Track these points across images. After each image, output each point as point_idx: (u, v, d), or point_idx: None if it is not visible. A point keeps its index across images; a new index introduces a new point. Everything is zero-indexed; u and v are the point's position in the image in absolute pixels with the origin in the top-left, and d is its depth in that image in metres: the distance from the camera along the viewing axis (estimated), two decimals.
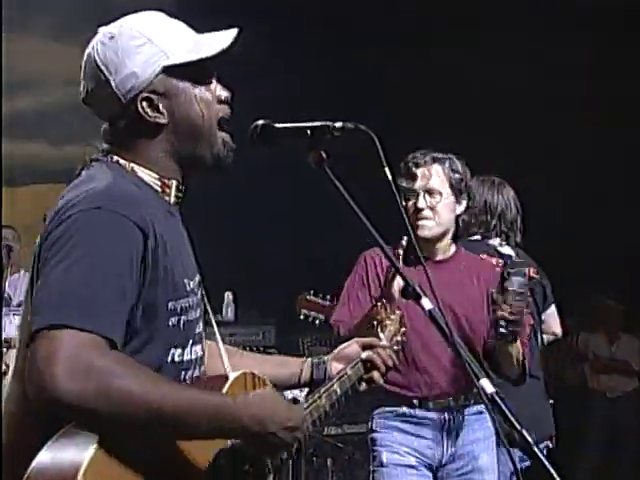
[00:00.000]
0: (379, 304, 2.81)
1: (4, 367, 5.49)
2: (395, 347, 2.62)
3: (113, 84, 1.88)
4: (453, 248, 3.64)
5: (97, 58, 1.90)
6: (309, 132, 2.02)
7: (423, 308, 1.96)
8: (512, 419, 1.83)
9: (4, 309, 5.93)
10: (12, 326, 6.18)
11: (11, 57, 7.80)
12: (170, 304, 1.84)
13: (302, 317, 4.48)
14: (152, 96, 1.89)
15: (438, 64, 6.90)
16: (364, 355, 2.44)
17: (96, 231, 1.72)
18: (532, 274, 4.18)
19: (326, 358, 2.42)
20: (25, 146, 7.97)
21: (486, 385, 1.87)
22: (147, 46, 1.89)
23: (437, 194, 3.51)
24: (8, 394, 1.87)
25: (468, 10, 6.80)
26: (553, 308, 4.56)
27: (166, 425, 1.70)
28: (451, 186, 3.54)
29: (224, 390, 1.92)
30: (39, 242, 1.80)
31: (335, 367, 2.40)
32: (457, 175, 3.55)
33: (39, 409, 1.65)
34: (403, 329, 2.76)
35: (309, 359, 2.41)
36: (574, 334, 7.10)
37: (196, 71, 1.93)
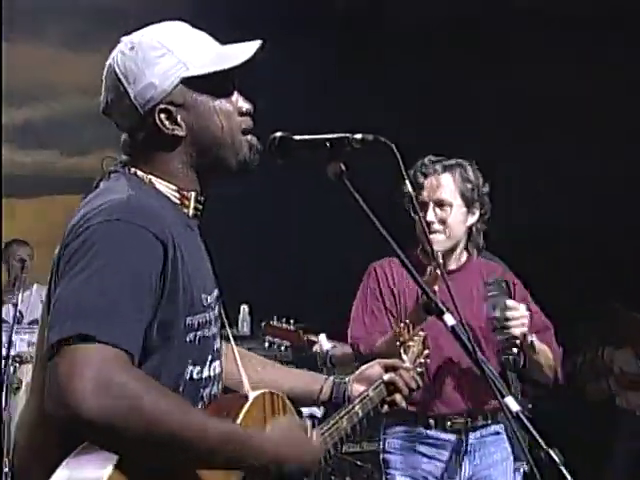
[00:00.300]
0: (402, 325, 2.78)
1: (16, 382, 5.52)
2: (418, 369, 2.61)
3: (132, 95, 1.88)
4: (465, 256, 3.53)
5: (117, 68, 1.91)
6: (328, 144, 2.01)
7: (446, 324, 1.95)
8: (538, 438, 1.82)
9: (16, 326, 5.95)
10: (23, 343, 6.19)
11: (24, 66, 7.86)
12: (188, 319, 1.83)
13: (267, 344, 4.46)
14: (170, 107, 1.89)
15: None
16: (386, 377, 2.43)
17: (116, 243, 1.71)
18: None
19: (348, 379, 2.41)
20: (37, 155, 8.00)
21: (511, 403, 1.85)
22: (167, 57, 1.89)
23: (447, 206, 3.38)
24: (25, 408, 1.87)
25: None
26: None
27: (184, 450, 1.68)
28: (462, 196, 3.41)
29: (243, 411, 1.90)
30: (57, 254, 1.80)
31: (356, 388, 2.39)
32: (468, 184, 3.41)
33: (59, 425, 1.63)
34: (427, 351, 2.74)
35: (331, 378, 2.40)
36: (598, 348, 7.05)
37: (216, 83, 1.92)
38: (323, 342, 4.69)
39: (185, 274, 1.81)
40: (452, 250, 3.46)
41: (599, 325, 6.80)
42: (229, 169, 1.97)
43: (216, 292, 1.98)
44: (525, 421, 1.82)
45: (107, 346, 1.61)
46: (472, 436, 3.39)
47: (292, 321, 4.57)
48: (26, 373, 5.57)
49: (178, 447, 1.67)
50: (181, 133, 1.90)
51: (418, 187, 3.38)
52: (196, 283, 1.85)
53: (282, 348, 4.52)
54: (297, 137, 2.05)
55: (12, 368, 5.56)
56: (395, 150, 1.94)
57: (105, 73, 1.94)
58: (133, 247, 1.72)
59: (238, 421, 1.88)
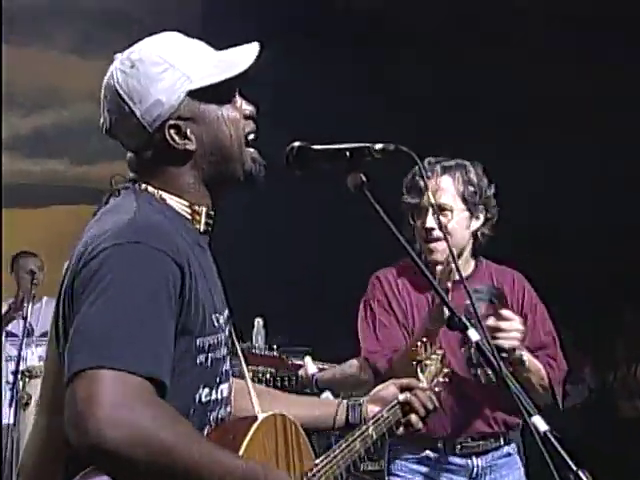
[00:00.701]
0: (419, 343, 2.71)
1: (25, 397, 5.51)
2: (436, 388, 2.57)
3: (138, 114, 1.87)
4: (472, 264, 3.34)
5: (119, 88, 1.89)
6: (348, 154, 2.00)
7: (469, 340, 1.93)
8: (567, 459, 1.80)
9: (26, 339, 5.95)
10: (34, 357, 6.19)
11: (31, 72, 7.89)
12: (199, 341, 1.82)
13: (250, 374, 4.44)
14: (179, 123, 1.89)
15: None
16: (401, 397, 2.41)
17: (133, 266, 1.70)
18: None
19: (362, 400, 2.39)
20: (45, 164, 8.02)
21: (539, 422, 1.83)
22: (169, 71, 1.88)
23: (448, 211, 3.19)
24: (33, 428, 1.86)
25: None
26: None
27: None
28: (464, 200, 3.22)
29: (250, 433, 1.89)
30: (70, 275, 1.78)
31: (371, 409, 2.37)
32: (470, 187, 3.23)
33: (81, 455, 1.61)
34: (445, 370, 2.69)
35: (344, 401, 2.38)
36: (630, 365, 7.01)
37: (220, 91, 1.92)
38: (309, 366, 4.66)
39: (199, 295, 1.80)
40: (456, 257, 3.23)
41: (632, 341, 6.78)
42: (237, 180, 1.98)
43: (227, 312, 1.98)
44: (554, 441, 1.80)
45: (130, 374, 1.60)
46: (482, 460, 3.25)
47: (275, 347, 4.54)
48: (36, 388, 5.57)
49: None
50: (192, 147, 1.90)
51: (416, 191, 3.20)
52: (208, 303, 1.85)
53: (267, 376, 4.47)
54: (316, 147, 2.04)
55: (21, 383, 5.55)
56: (417, 160, 1.93)
57: (105, 92, 1.93)
58: (150, 270, 1.71)
59: (244, 443, 1.87)
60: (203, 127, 1.91)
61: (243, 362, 2.12)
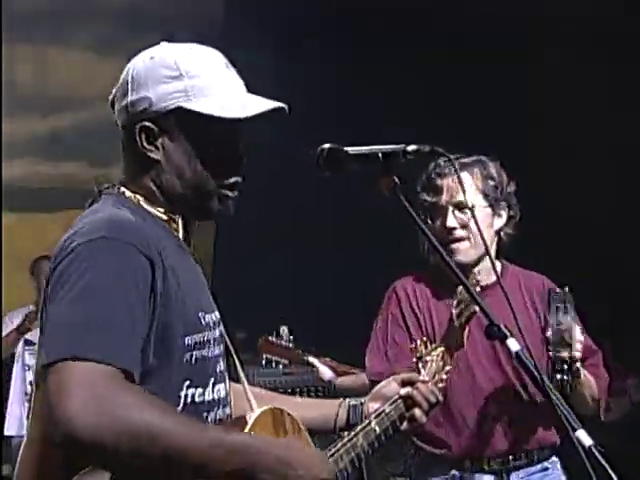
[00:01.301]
0: (419, 340, 2.68)
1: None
2: (439, 385, 2.57)
3: (128, 99, 1.94)
4: (498, 267, 3.23)
5: (131, 69, 1.97)
6: (381, 156, 1.99)
7: (510, 350, 1.92)
8: (612, 474, 1.78)
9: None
10: None
11: (50, 72, 7.92)
12: (186, 339, 1.85)
13: (264, 362, 4.43)
14: (153, 127, 1.92)
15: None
16: (403, 391, 2.42)
17: (100, 260, 1.75)
18: None
19: (363, 400, 2.42)
20: (64, 167, 8.04)
21: (583, 437, 1.81)
22: (176, 80, 1.92)
23: (468, 208, 3.07)
24: (28, 437, 1.89)
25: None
26: None
27: (187, 465, 1.70)
28: (485, 196, 3.15)
29: (246, 429, 1.91)
30: (46, 279, 1.84)
31: (372, 407, 2.39)
32: (491, 182, 3.16)
33: (61, 451, 1.67)
34: (447, 367, 2.66)
35: (346, 401, 2.41)
36: None
37: (215, 129, 1.93)
38: (322, 370, 4.65)
39: (179, 292, 1.84)
40: (479, 260, 3.15)
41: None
42: (193, 213, 2.01)
43: (217, 313, 2.01)
44: (599, 456, 1.78)
45: (98, 364, 1.65)
46: (515, 476, 3.14)
47: (292, 337, 4.52)
48: None
49: (179, 462, 1.69)
50: (155, 156, 1.93)
51: (434, 190, 3.14)
52: (191, 301, 1.88)
53: (280, 367, 4.46)
54: (348, 149, 2.03)
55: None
56: (454, 162, 1.92)
57: (125, 69, 2.01)
58: (118, 263, 1.76)
59: None
60: (173, 148, 1.93)
61: (238, 364, 2.15)
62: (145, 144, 1.92)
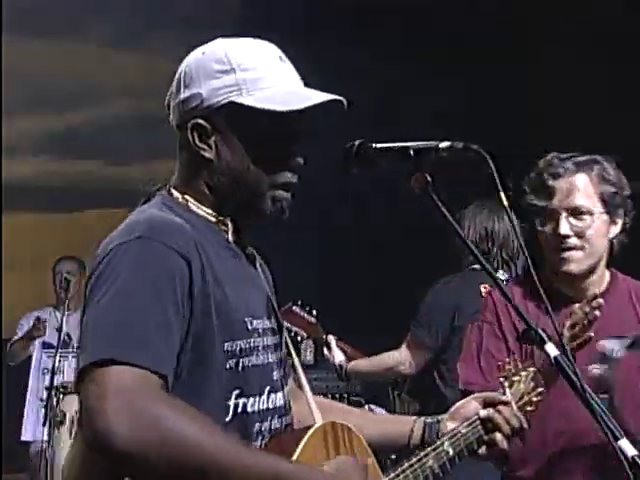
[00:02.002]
0: (507, 358, 2.55)
1: (60, 415, 5.52)
2: (527, 407, 2.46)
3: (181, 97, 1.93)
4: (607, 277, 3.02)
5: (184, 67, 1.96)
6: (412, 153, 1.96)
7: (548, 355, 1.89)
8: None
9: (62, 351, 5.96)
10: (72, 370, 6.17)
11: (65, 68, 7.94)
12: (226, 345, 1.83)
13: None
14: (207, 125, 1.90)
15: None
16: (482, 413, 2.31)
17: (135, 261, 1.75)
18: None
19: (441, 417, 2.32)
20: (79, 165, 8.06)
21: (626, 447, 1.78)
22: (227, 75, 1.90)
23: (586, 214, 2.88)
24: (73, 443, 1.89)
25: None
26: None
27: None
28: (603, 201, 2.90)
29: (301, 445, 1.86)
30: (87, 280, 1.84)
31: (449, 427, 2.30)
32: (610, 186, 2.92)
33: (99, 459, 1.67)
34: (539, 389, 2.50)
35: (421, 418, 2.32)
36: None
37: (269, 123, 1.90)
38: (336, 353, 4.67)
39: (220, 294, 1.82)
40: (592, 271, 2.95)
41: None
42: (247, 216, 1.98)
43: (271, 320, 1.99)
44: None
45: (134, 368, 1.64)
46: None
47: (315, 312, 4.52)
48: (71, 405, 5.58)
49: (208, 476, 1.66)
50: (208, 155, 1.92)
51: (546, 192, 2.92)
52: (236, 305, 1.86)
53: (298, 338, 4.51)
54: (377, 145, 2.01)
55: (55, 399, 5.56)
56: (489, 159, 1.89)
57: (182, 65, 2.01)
58: (154, 264, 1.75)
59: (295, 455, 1.84)
60: (226, 145, 1.91)
61: (302, 375, 2.12)
62: (197, 142, 1.90)
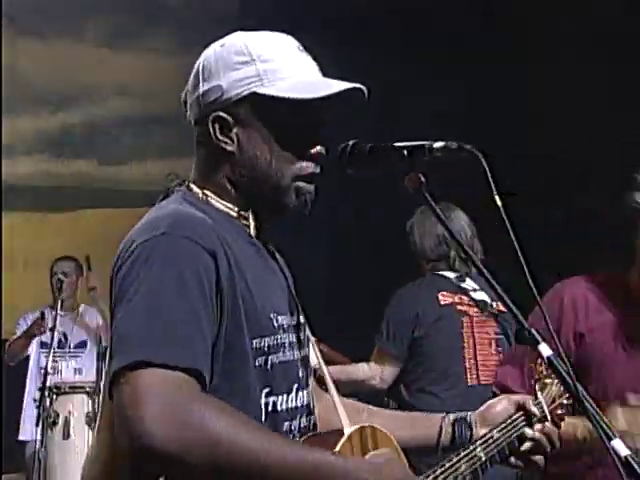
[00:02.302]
0: (539, 359, 2.51)
1: (53, 416, 5.53)
2: (559, 411, 2.42)
3: (200, 90, 1.93)
4: None
5: (203, 60, 1.96)
6: (406, 153, 1.98)
7: (541, 355, 1.91)
8: None
9: (58, 351, 5.96)
10: (69, 370, 6.18)
11: (59, 67, 7.94)
12: (255, 342, 1.82)
13: None
14: (228, 118, 1.90)
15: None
16: (529, 432, 2.27)
17: (161, 259, 1.73)
18: (501, 307, 4.05)
19: (469, 415, 2.28)
20: (73, 165, 8.06)
21: (619, 446, 1.80)
22: (248, 65, 1.90)
23: None
24: (94, 446, 1.89)
25: None
26: None
27: None
28: None
29: (337, 447, 1.85)
30: (110, 279, 1.82)
31: (481, 426, 2.26)
32: None
33: (131, 462, 1.66)
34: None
35: (450, 415, 2.28)
36: None
37: (290, 112, 1.90)
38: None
39: (246, 291, 1.81)
40: None
41: None
42: (270, 211, 1.97)
43: (294, 316, 1.98)
44: (635, 467, 1.77)
45: (169, 369, 1.62)
46: None
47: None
48: (64, 406, 5.59)
49: (254, 476, 1.65)
50: (230, 148, 1.91)
51: None
52: (261, 301, 1.85)
53: None
54: (372, 145, 2.02)
55: (48, 400, 5.56)
56: (483, 160, 1.90)
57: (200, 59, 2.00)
58: (180, 261, 1.73)
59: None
60: (248, 137, 1.91)
61: (327, 374, 2.11)
62: (219, 136, 1.90)
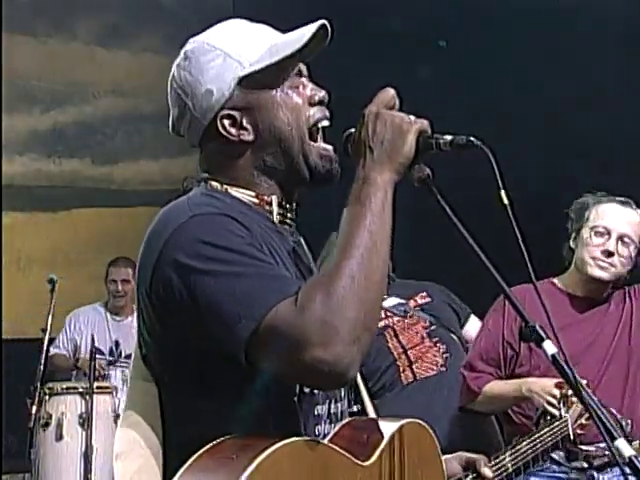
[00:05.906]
0: None
1: (45, 417, 5.51)
2: (578, 431, 2.48)
3: (191, 106, 1.93)
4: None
5: (175, 82, 1.96)
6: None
7: (545, 353, 1.91)
8: None
9: (109, 359, 5.93)
10: (117, 380, 6.06)
11: (51, 65, 7.94)
12: None
13: None
14: (233, 113, 1.91)
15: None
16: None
17: (208, 234, 1.74)
18: (417, 302, 4.18)
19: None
20: (66, 164, 8.06)
21: (623, 447, 1.80)
22: (220, 59, 1.92)
23: (631, 244, 3.50)
24: (131, 387, 1.94)
25: None
26: (473, 317, 4.48)
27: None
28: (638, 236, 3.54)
29: (387, 436, 1.91)
30: (143, 275, 1.81)
31: None
32: None
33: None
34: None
35: None
36: None
37: (277, 75, 1.93)
38: None
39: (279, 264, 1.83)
40: (610, 284, 3.58)
41: None
42: (302, 178, 1.96)
43: None
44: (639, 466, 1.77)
45: (280, 303, 1.66)
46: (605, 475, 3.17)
47: None
48: (57, 407, 5.56)
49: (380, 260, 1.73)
50: (248, 137, 1.92)
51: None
52: None
53: None
54: None
55: (39, 400, 5.54)
56: (490, 155, 1.89)
57: (168, 90, 1.99)
58: (226, 231, 1.75)
59: (381, 446, 1.88)
60: (259, 116, 1.92)
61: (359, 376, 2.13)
62: (234, 132, 1.92)
